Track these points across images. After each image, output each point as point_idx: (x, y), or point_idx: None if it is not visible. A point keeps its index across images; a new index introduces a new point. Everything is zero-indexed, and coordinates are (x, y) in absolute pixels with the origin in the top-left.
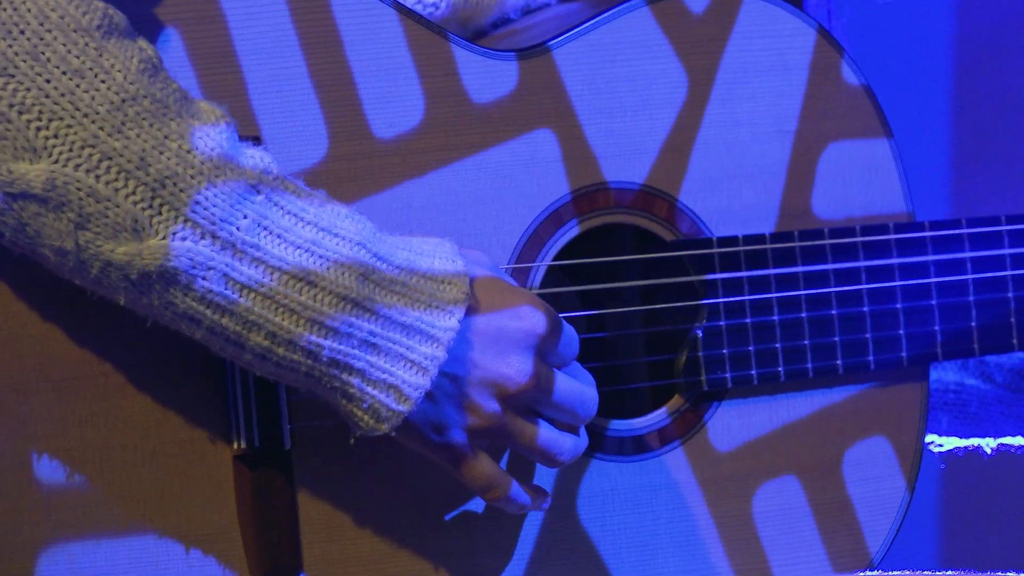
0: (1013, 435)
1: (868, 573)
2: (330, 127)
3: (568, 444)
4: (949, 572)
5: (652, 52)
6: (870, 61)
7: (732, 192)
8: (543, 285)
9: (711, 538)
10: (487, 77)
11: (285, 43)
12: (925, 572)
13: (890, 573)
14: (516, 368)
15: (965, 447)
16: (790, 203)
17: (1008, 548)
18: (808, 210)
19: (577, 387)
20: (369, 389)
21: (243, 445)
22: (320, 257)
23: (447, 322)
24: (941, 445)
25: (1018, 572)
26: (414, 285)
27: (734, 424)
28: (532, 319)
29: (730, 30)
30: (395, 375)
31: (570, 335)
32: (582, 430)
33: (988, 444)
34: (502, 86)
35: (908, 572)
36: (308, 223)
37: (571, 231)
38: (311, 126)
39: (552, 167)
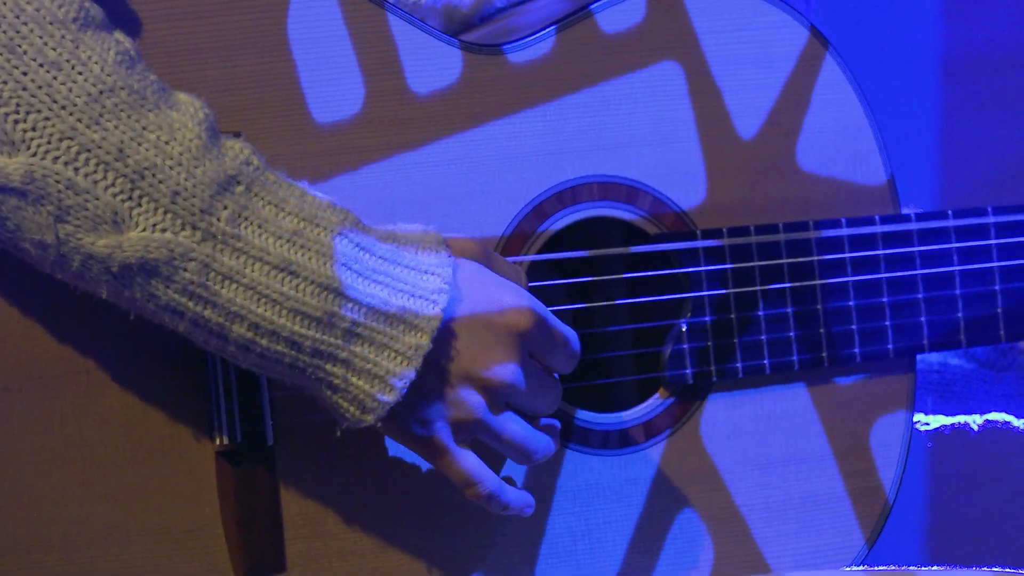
0: (997, 412)
1: (857, 568)
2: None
3: (545, 441)
4: (935, 567)
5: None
6: (857, 53)
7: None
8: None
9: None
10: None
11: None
12: (911, 568)
13: (876, 569)
14: (499, 361)
15: (952, 424)
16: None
17: (997, 524)
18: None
19: (555, 384)
20: (354, 379)
21: (225, 441)
22: (302, 247)
23: (430, 311)
24: (928, 424)
25: (1002, 565)
26: (397, 275)
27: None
28: (516, 313)
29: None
30: (380, 365)
31: (562, 331)
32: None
33: (975, 421)
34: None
35: (894, 568)
36: (289, 213)
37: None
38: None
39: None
